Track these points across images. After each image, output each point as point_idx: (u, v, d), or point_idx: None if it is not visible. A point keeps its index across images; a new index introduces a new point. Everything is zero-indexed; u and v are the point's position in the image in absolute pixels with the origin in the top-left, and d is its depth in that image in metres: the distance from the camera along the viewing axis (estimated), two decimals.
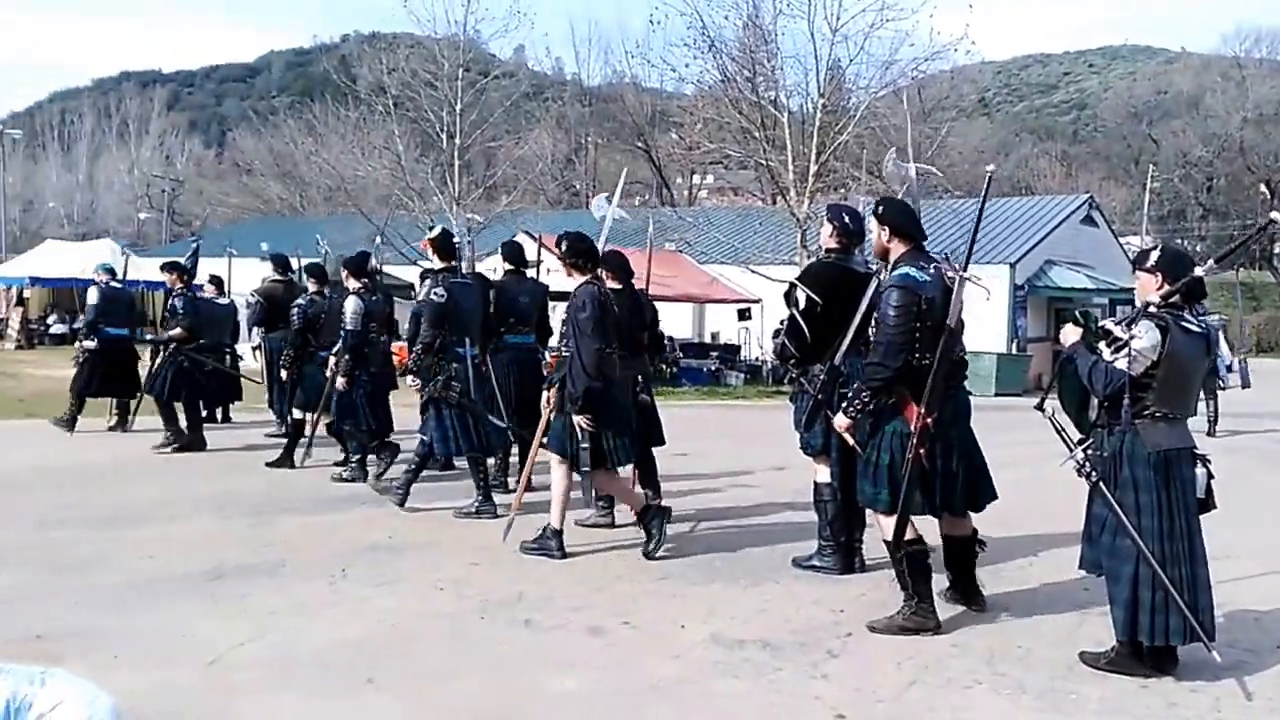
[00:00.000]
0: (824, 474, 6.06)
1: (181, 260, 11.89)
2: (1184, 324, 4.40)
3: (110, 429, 11.49)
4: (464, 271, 7.91)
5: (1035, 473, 10.69)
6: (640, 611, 5.30)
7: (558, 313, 7.07)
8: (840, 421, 5.14)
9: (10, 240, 50.09)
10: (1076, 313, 4.57)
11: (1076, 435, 4.67)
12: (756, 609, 5.38)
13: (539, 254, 9.78)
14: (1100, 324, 4.64)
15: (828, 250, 5.99)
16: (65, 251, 28.71)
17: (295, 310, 9.48)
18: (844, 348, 5.53)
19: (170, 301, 10.92)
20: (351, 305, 8.50)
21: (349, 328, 8.45)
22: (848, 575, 6.04)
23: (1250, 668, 4.63)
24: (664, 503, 6.89)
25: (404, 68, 25.33)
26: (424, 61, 25.34)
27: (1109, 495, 4.39)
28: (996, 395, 22.61)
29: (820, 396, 5.63)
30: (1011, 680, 4.46)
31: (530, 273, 8.88)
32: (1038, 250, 26.22)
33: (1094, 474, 4.44)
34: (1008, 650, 4.83)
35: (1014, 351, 24.57)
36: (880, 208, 5.19)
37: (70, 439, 10.78)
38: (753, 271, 24.43)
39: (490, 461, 7.97)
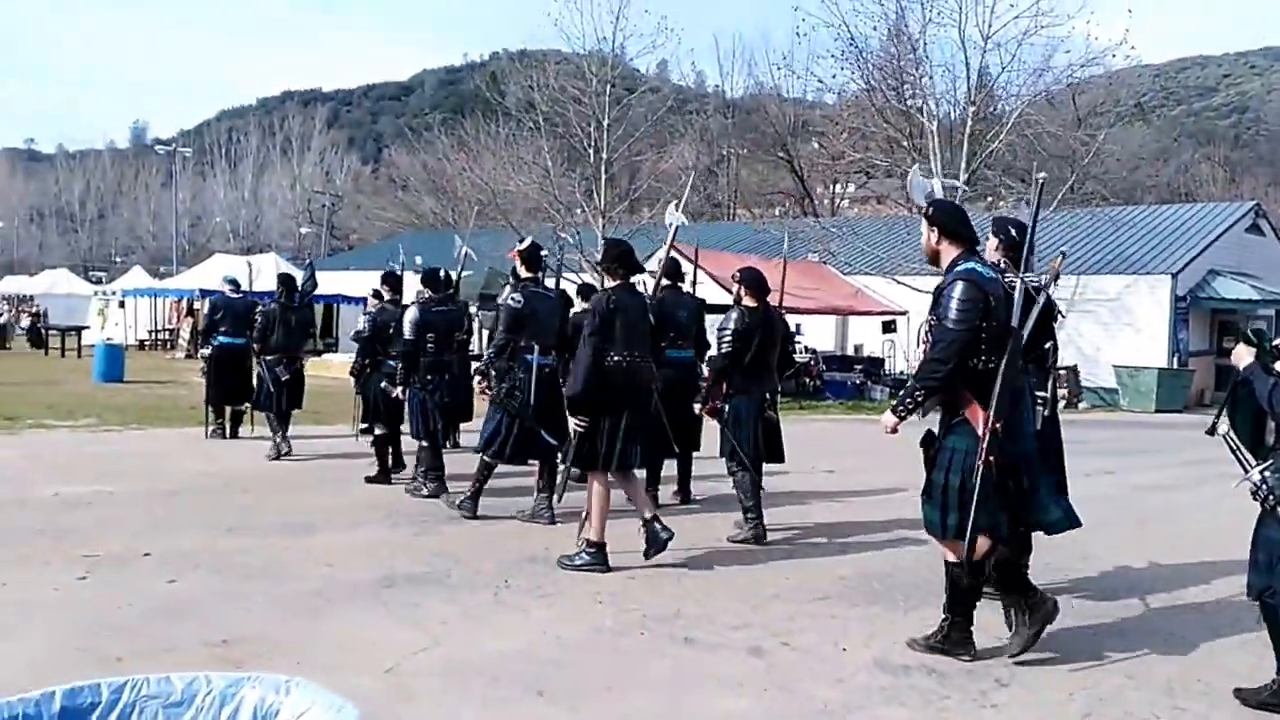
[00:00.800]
0: None
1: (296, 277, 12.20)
2: None
3: (209, 436, 11.99)
4: (546, 285, 8.03)
5: (1200, 496, 10.31)
6: (800, 633, 5.26)
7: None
8: (887, 420, 4.92)
9: (180, 254, 53.07)
10: (1249, 330, 4.36)
11: (1252, 457, 4.42)
12: (919, 633, 5.26)
13: (695, 270, 9.83)
14: (1276, 342, 4.43)
15: (992, 265, 5.71)
16: (231, 264, 30.24)
17: (364, 318, 9.82)
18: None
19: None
20: (409, 315, 8.76)
21: (404, 336, 8.72)
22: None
23: None
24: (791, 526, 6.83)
25: (552, 84, 25.87)
26: (571, 77, 25.84)
27: None
28: (1157, 412, 21.71)
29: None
30: (1195, 716, 4.28)
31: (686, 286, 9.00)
32: (1200, 260, 25.03)
33: (1272, 498, 4.21)
34: (1188, 684, 4.63)
35: (1175, 366, 23.49)
36: (931, 209, 5.00)
37: (236, 446, 11.30)
38: (899, 282, 24.03)
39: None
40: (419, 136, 50.16)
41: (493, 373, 7.72)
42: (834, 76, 26.43)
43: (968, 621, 4.87)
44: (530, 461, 7.99)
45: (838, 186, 48.98)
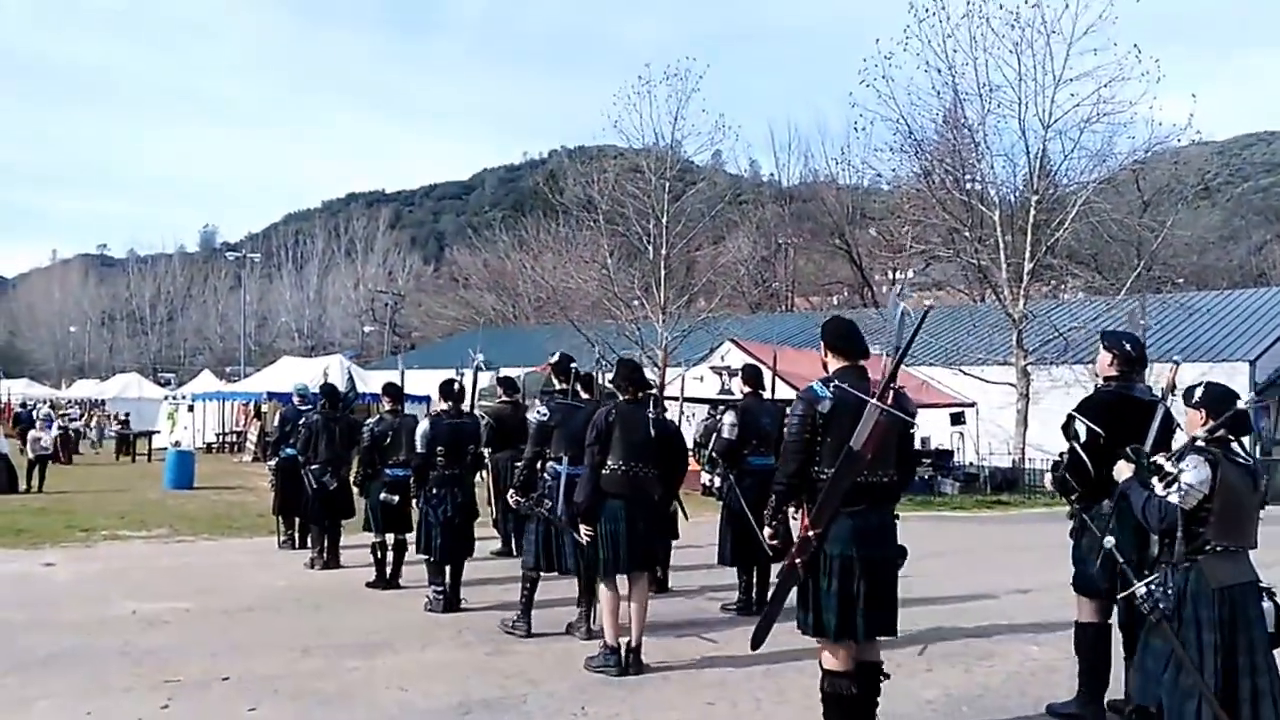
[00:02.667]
0: (1087, 613, 5.66)
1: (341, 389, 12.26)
2: (1234, 457, 4.49)
3: (280, 546, 12.11)
4: (583, 395, 8.04)
5: None
6: None
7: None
8: (767, 532, 5.26)
9: (247, 354, 54.17)
10: (1129, 449, 4.40)
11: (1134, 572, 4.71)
12: None
13: (774, 376, 9.74)
14: (1153, 460, 4.66)
15: (1107, 379, 5.75)
16: (298, 366, 30.72)
17: (365, 429, 9.95)
18: None
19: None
20: (420, 428, 8.78)
21: (415, 449, 8.73)
22: None
23: None
24: None
25: (610, 180, 26.20)
26: (628, 172, 26.15)
27: (1171, 634, 4.39)
28: None
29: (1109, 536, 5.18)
30: None
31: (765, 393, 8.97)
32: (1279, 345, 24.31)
33: (1158, 609, 4.44)
34: None
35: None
36: (822, 327, 5.28)
37: (303, 557, 11.24)
38: (964, 373, 23.71)
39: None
40: (480, 235, 51.39)
41: (523, 484, 7.85)
42: (893, 171, 26.46)
43: None
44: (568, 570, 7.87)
45: (897, 273, 48.76)
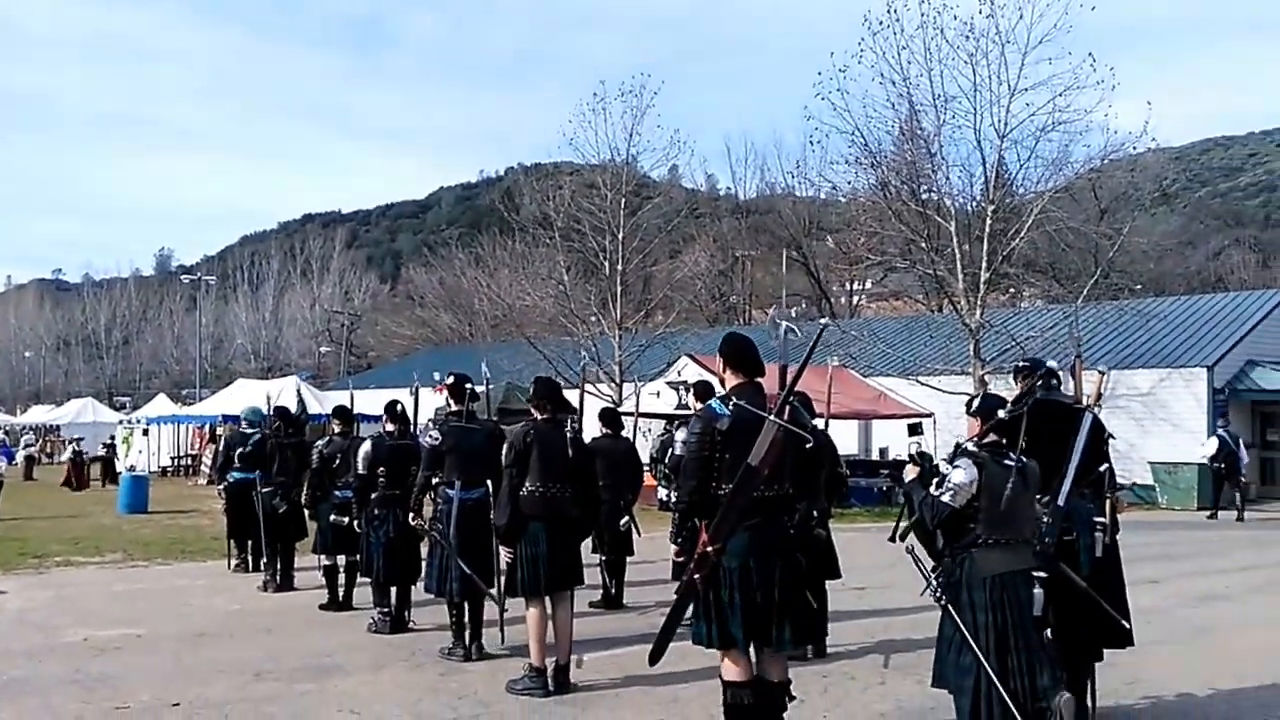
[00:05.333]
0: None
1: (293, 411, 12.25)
2: (1002, 460, 4.94)
3: (233, 570, 12.02)
4: (477, 416, 7.93)
5: (1253, 608, 9.77)
6: None
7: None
8: (673, 550, 5.28)
9: (202, 377, 53.46)
10: (915, 452, 4.70)
11: (931, 564, 5.06)
12: None
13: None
14: (935, 463, 5.21)
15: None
16: (253, 388, 30.32)
17: (315, 450, 9.91)
18: (1066, 487, 5.51)
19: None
20: (362, 449, 8.77)
21: (357, 470, 8.72)
22: None
23: None
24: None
25: (566, 197, 26.13)
26: (585, 188, 26.11)
27: (956, 617, 4.86)
28: (1200, 510, 21.02)
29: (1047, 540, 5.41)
30: None
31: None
32: (1238, 350, 24.44)
33: (942, 599, 4.93)
34: None
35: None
36: (722, 343, 5.35)
37: (258, 579, 11.04)
38: (921, 383, 23.77)
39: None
40: (436, 253, 50.98)
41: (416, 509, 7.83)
42: (849, 183, 26.53)
43: None
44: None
45: (855, 284, 49.01)
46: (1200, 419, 23.29)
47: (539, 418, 6.85)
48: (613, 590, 9.88)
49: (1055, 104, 21.97)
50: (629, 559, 10.00)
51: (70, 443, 32.25)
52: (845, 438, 25.38)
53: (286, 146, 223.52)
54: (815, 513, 7.49)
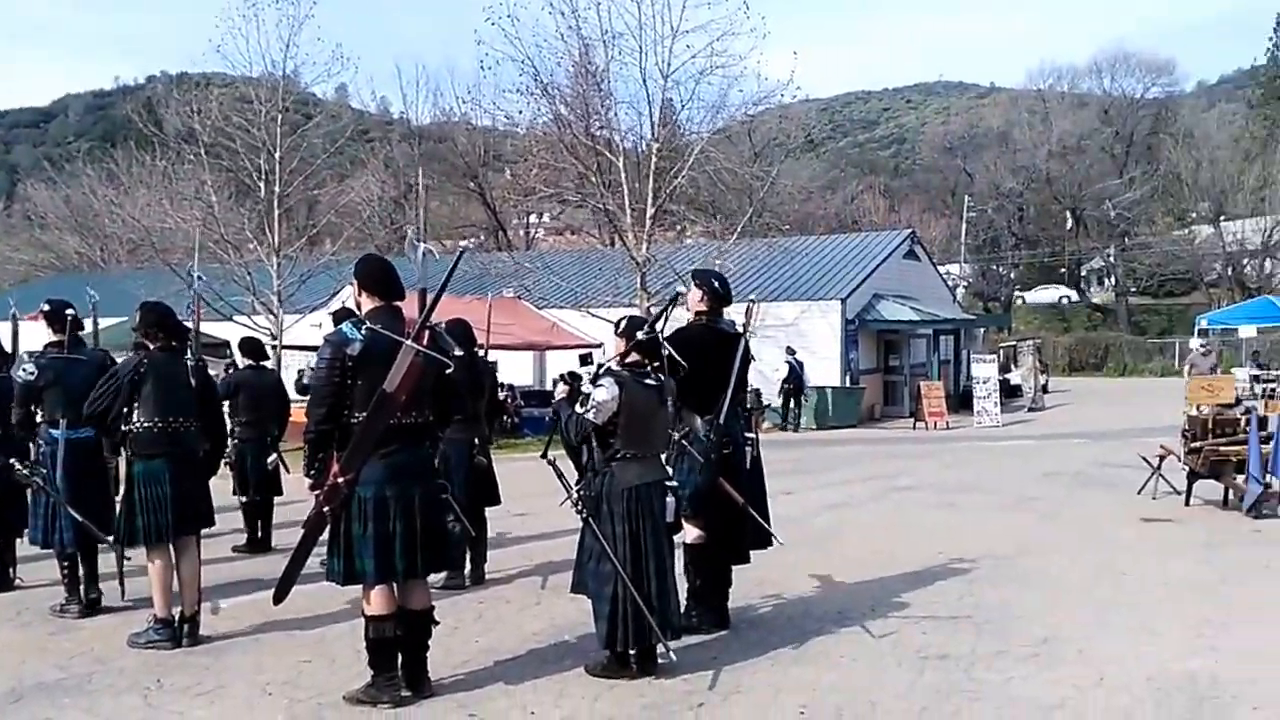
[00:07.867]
0: (692, 535, 6.04)
1: None
2: (642, 379, 5.25)
3: None
4: (85, 346, 7.17)
5: (869, 513, 10.66)
6: (489, 700, 4.99)
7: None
8: (307, 483, 4.94)
9: None
10: (565, 374, 5.15)
11: (575, 477, 5.39)
12: (607, 686, 5.13)
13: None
14: (581, 382, 5.44)
15: (697, 313, 6.27)
16: None
17: None
18: (724, 406, 5.85)
19: None
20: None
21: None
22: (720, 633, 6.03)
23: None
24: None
25: (216, 111, 23.97)
26: (237, 103, 24.10)
27: (595, 528, 5.14)
28: (833, 428, 23.18)
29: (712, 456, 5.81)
30: None
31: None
32: (866, 285, 26.98)
33: (584, 510, 5.21)
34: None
35: (848, 384, 25.20)
36: (356, 266, 5.20)
37: None
38: (593, 315, 24.13)
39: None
40: (61, 169, 45.88)
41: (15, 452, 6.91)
42: (520, 113, 26.26)
43: (383, 671, 4.87)
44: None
45: (532, 217, 48.99)
46: (834, 346, 25.59)
47: (151, 347, 6.16)
48: (259, 534, 9.22)
49: (714, 48, 22.84)
50: (277, 499, 9.33)
51: None
52: (519, 369, 25.44)
53: None
54: (476, 440, 7.47)
